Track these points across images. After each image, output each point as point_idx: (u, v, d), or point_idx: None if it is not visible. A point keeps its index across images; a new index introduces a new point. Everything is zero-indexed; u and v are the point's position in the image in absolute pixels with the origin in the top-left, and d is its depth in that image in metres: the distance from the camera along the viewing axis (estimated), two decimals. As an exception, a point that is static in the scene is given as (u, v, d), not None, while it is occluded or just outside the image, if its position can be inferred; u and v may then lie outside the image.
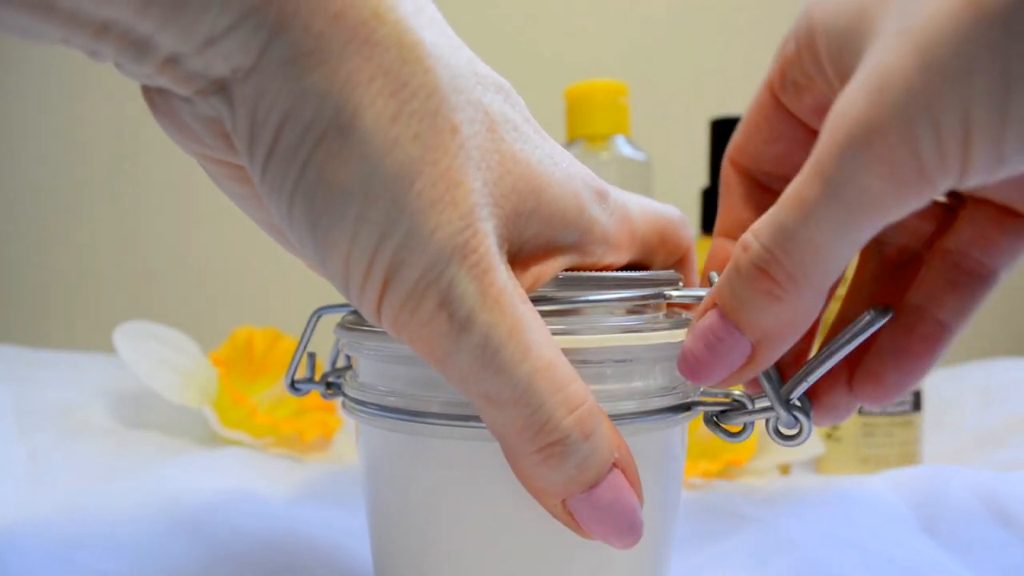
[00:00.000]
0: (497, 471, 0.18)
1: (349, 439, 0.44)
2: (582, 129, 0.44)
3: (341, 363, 0.25)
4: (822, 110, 0.18)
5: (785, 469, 0.40)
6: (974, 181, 0.14)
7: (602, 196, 0.20)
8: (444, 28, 0.18)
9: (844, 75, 0.17)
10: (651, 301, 0.20)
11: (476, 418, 0.18)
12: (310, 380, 0.24)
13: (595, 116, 0.44)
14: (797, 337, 0.17)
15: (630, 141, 0.44)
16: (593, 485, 0.17)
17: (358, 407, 0.21)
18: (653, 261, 0.22)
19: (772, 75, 0.20)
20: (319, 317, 0.23)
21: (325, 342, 0.24)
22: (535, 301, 0.18)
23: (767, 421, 0.19)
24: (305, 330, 0.23)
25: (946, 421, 0.47)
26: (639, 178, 0.44)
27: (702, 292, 0.20)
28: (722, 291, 0.17)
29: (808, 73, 0.19)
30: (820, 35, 0.18)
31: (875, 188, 0.14)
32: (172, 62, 0.16)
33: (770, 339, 0.17)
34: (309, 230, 0.16)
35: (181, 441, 0.41)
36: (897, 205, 0.15)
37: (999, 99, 0.13)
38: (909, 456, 0.39)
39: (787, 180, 0.19)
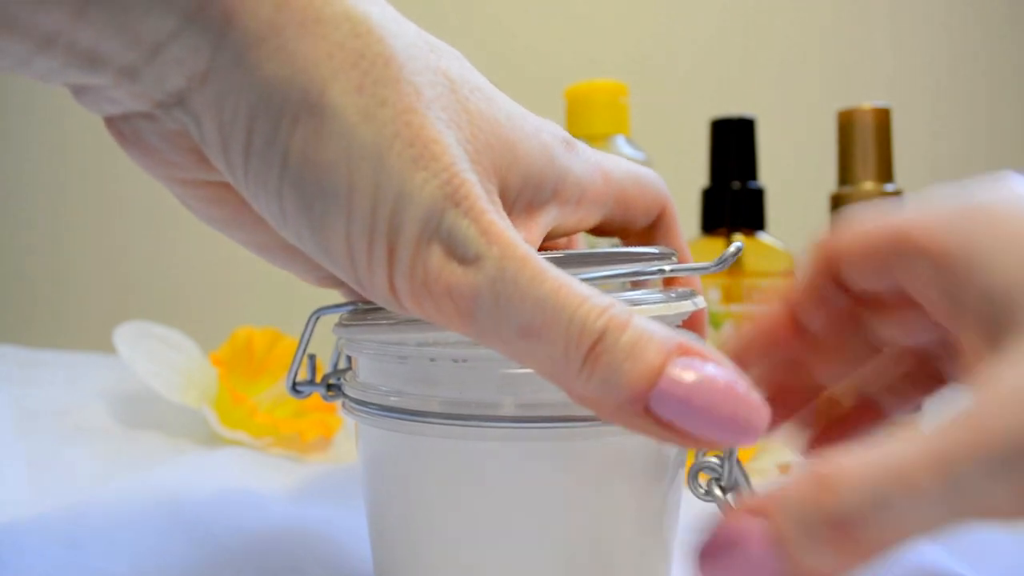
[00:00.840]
0: (498, 471, 0.18)
1: (349, 439, 0.44)
2: (582, 129, 0.44)
3: (342, 364, 0.25)
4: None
5: (785, 469, 0.40)
6: None
7: (570, 145, 0.20)
8: (385, 5, 0.18)
9: (979, 331, 0.16)
10: (648, 277, 0.20)
11: (477, 417, 0.18)
12: (311, 382, 0.24)
13: (595, 116, 0.44)
14: None
15: (630, 141, 0.44)
16: (658, 372, 0.15)
17: (358, 407, 0.21)
18: (634, 218, 0.22)
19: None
20: (318, 318, 0.23)
21: (326, 343, 0.24)
22: None
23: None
24: (304, 331, 0.23)
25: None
26: (639, 178, 0.44)
27: (699, 265, 0.20)
28: (783, 514, 0.15)
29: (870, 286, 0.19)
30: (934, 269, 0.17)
31: (1003, 506, 0.14)
32: (126, 76, 0.16)
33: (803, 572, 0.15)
34: (305, 219, 0.16)
35: (181, 441, 0.41)
36: (1013, 525, 0.14)
37: None
38: (909, 456, 0.39)
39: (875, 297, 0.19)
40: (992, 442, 0.14)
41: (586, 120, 0.44)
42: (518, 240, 0.16)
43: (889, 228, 0.18)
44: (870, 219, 0.19)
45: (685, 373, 0.15)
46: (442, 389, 0.19)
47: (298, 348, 0.24)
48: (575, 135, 0.44)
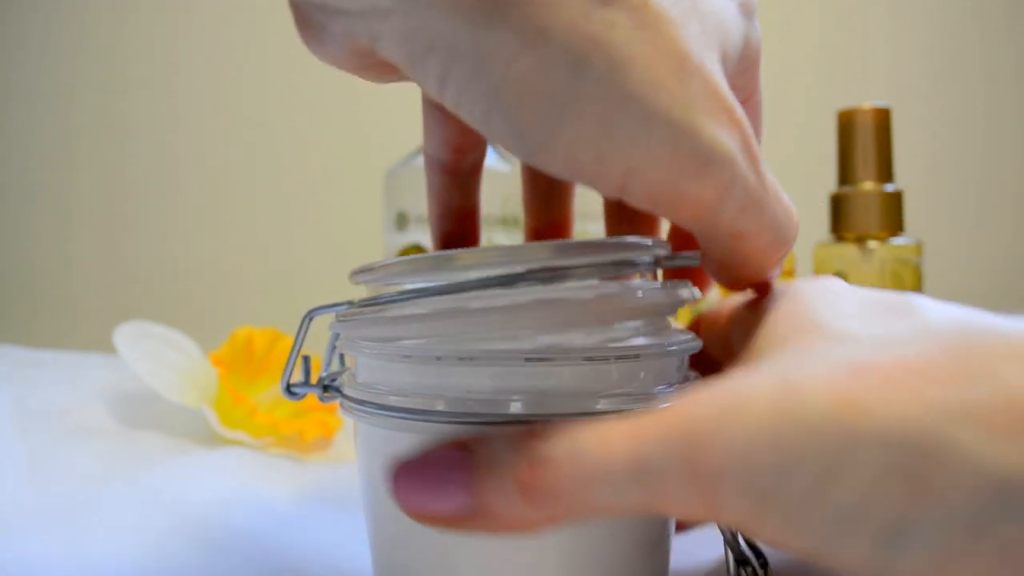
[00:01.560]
0: None
1: (349, 439, 0.44)
2: (582, 129, 0.44)
3: (336, 366, 0.25)
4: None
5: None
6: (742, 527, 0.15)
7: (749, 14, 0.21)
8: None
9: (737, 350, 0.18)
10: (641, 267, 0.19)
11: (483, 415, 0.18)
12: (306, 383, 0.24)
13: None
14: (517, 533, 0.16)
15: (630, 141, 0.44)
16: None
17: (358, 407, 0.20)
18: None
19: None
20: (311, 319, 0.23)
21: (321, 342, 0.24)
22: (501, 280, 0.18)
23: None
24: (299, 332, 0.23)
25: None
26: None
27: (692, 254, 0.20)
28: (484, 447, 0.16)
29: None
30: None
31: (670, 497, 0.14)
32: None
33: (492, 520, 0.15)
34: (519, 142, 0.17)
35: (181, 441, 0.41)
36: (676, 516, 0.15)
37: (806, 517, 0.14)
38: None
39: None
40: (678, 426, 0.14)
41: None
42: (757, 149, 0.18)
43: (737, 302, 0.22)
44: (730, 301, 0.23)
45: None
46: (447, 387, 0.19)
47: (292, 349, 0.24)
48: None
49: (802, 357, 0.15)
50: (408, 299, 0.19)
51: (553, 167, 0.17)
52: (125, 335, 0.43)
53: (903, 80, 0.71)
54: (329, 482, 0.36)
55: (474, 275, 0.18)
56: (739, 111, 0.17)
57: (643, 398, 0.19)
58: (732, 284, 0.21)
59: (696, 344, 0.21)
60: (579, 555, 0.19)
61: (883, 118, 0.41)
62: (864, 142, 0.41)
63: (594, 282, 0.19)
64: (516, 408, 0.18)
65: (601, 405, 0.18)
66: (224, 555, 0.26)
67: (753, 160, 0.18)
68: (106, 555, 0.25)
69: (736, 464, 0.14)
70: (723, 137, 0.17)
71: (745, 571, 0.20)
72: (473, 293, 0.18)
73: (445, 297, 0.18)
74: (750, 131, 0.18)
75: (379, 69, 0.20)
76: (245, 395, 0.42)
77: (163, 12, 0.81)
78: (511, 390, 0.18)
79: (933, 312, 0.16)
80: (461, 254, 0.18)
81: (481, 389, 0.18)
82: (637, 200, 0.17)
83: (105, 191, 0.80)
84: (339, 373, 0.24)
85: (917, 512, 0.13)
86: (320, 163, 0.80)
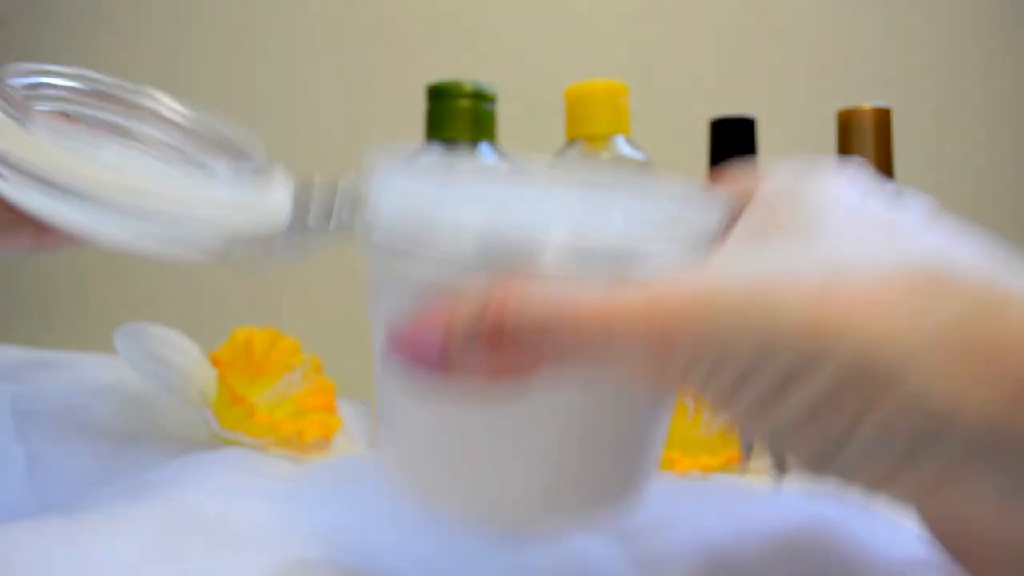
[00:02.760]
0: None
1: (349, 439, 0.44)
2: (582, 129, 0.44)
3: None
4: None
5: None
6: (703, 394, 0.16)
7: None
8: None
9: None
10: None
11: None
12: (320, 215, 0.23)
13: (595, 116, 0.44)
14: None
15: (630, 141, 0.44)
16: None
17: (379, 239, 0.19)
18: None
19: None
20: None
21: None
22: None
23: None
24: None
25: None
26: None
27: None
28: (458, 309, 0.17)
29: None
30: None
31: (628, 371, 0.16)
32: None
33: (461, 369, 0.16)
34: None
35: (181, 441, 0.41)
36: (637, 377, 0.16)
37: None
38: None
39: None
40: (652, 317, 0.15)
41: (586, 120, 0.44)
42: None
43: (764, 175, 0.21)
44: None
45: None
46: (479, 225, 0.18)
47: None
48: (575, 135, 0.44)
49: (785, 258, 0.16)
50: None
51: None
52: (125, 335, 0.43)
53: (903, 80, 0.71)
54: (329, 482, 0.36)
55: None
56: None
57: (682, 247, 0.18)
58: None
59: (732, 204, 0.20)
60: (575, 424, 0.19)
61: (883, 118, 0.41)
62: (864, 142, 0.41)
63: None
64: (556, 240, 0.17)
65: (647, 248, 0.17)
66: (223, 555, 0.26)
67: None
68: (106, 555, 0.25)
69: (707, 356, 0.15)
70: None
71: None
72: None
73: None
74: None
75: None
76: (245, 395, 0.42)
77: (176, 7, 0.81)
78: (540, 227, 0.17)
79: (914, 235, 0.17)
80: None
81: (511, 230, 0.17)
82: None
83: (105, 191, 0.80)
84: (356, 207, 0.23)
85: (860, 431, 0.14)
86: (319, 163, 0.80)
